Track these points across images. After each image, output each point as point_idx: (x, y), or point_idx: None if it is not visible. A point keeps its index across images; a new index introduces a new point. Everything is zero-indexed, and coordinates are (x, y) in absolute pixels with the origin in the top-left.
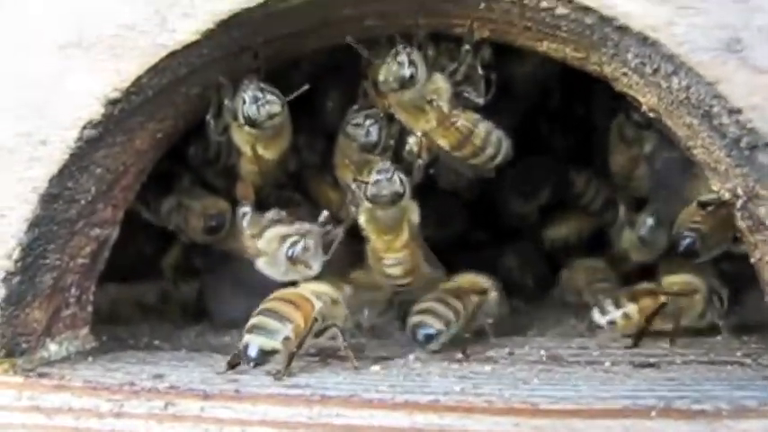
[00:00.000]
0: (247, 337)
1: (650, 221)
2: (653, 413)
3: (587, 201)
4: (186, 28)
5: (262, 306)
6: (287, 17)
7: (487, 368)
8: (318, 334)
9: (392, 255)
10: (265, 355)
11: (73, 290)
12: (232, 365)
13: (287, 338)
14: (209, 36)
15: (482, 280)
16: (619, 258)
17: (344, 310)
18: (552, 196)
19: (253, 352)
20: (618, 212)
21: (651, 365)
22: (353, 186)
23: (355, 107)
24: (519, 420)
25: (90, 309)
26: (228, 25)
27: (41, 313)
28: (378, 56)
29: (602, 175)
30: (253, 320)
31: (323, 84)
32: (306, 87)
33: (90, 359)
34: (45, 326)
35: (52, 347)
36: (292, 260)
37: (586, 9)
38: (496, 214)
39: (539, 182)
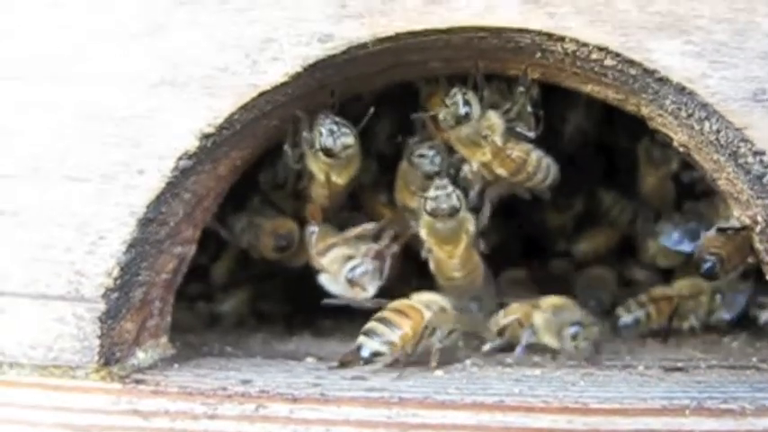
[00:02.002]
0: (361, 339)
1: (673, 229)
2: (687, 412)
3: (614, 216)
4: (276, 70)
5: (378, 313)
6: (363, 61)
7: (537, 372)
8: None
9: (453, 261)
10: (374, 356)
11: (157, 302)
12: (343, 363)
13: (393, 344)
14: (295, 78)
15: None
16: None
17: (451, 316)
18: (583, 208)
19: (365, 352)
20: (641, 225)
21: (680, 369)
22: (416, 203)
23: (416, 138)
24: (572, 418)
25: (169, 319)
26: (314, 68)
27: (132, 325)
28: (435, 92)
29: (627, 190)
30: (368, 325)
31: (377, 112)
32: (371, 112)
33: (176, 366)
34: (134, 336)
35: (140, 355)
36: (351, 282)
37: (631, 62)
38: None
39: (571, 195)
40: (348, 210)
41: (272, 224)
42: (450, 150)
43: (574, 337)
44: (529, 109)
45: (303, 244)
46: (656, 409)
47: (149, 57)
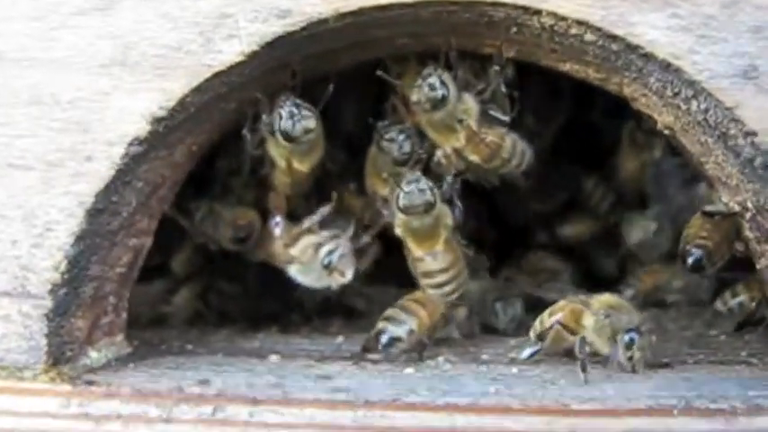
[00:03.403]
0: (381, 325)
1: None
2: (675, 412)
3: (594, 203)
4: (231, 49)
5: (397, 302)
6: (325, 38)
7: (514, 369)
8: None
9: (432, 257)
10: (393, 342)
11: (111, 298)
12: (366, 350)
13: (411, 331)
14: (252, 57)
15: None
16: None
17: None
18: (568, 198)
19: (384, 338)
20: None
21: (666, 365)
22: (389, 196)
23: (386, 122)
24: (552, 420)
25: (125, 316)
26: (272, 46)
27: (84, 322)
28: (405, 71)
29: (609, 178)
30: (387, 312)
31: (342, 94)
32: (330, 90)
33: (131, 365)
34: (86, 334)
35: (93, 354)
36: (329, 268)
37: (614, 37)
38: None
39: (556, 186)
40: (316, 200)
41: (231, 214)
42: (422, 134)
43: (628, 346)
44: (503, 89)
45: (264, 236)
46: (642, 409)
47: (97, 36)
